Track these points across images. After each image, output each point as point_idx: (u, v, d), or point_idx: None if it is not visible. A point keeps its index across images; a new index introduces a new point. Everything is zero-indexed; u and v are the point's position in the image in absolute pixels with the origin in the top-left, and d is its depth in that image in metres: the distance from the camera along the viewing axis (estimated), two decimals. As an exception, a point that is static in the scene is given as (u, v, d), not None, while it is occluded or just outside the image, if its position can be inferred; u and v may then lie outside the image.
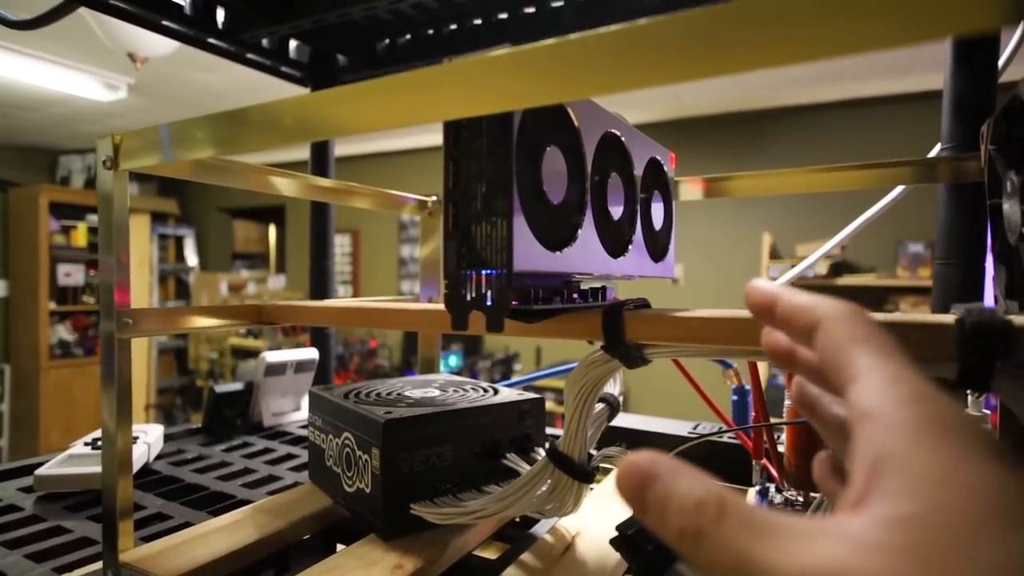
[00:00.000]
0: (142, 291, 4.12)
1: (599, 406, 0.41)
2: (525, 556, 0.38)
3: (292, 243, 4.50)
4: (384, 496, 0.39)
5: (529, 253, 0.27)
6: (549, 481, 0.37)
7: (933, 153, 0.52)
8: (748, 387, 0.57)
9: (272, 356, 0.72)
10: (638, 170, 0.40)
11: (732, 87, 2.70)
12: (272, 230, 5.13)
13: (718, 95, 2.82)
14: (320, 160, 0.85)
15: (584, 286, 0.37)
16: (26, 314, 3.70)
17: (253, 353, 3.79)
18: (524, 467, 0.43)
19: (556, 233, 0.30)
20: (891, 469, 0.14)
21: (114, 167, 0.35)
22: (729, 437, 0.56)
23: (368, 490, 0.41)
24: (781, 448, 0.43)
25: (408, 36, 0.78)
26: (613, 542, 0.31)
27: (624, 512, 0.33)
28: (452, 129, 0.27)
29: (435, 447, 0.41)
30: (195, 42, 0.72)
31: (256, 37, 0.73)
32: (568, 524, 0.43)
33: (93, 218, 3.94)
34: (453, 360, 3.18)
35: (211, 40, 0.73)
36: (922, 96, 2.55)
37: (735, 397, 0.56)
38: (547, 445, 0.39)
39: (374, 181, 0.58)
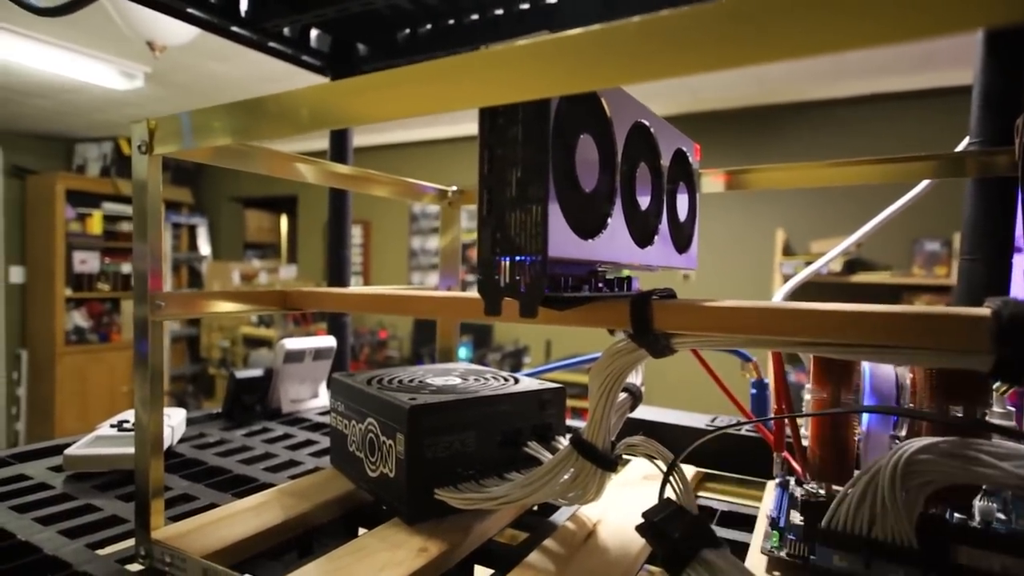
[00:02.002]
0: (156, 279, 4.16)
1: (622, 395, 0.41)
2: (548, 542, 0.39)
3: (304, 233, 4.53)
4: (408, 481, 0.40)
5: (562, 240, 0.27)
6: (572, 469, 0.37)
7: (961, 147, 0.51)
8: (767, 380, 0.57)
9: (291, 343, 0.73)
10: (665, 160, 0.40)
11: (748, 81, 2.68)
12: (284, 220, 5.15)
13: (734, 89, 2.80)
14: (339, 148, 0.85)
15: (610, 275, 0.37)
16: (42, 300, 3.75)
17: (265, 342, 3.83)
18: (546, 455, 0.44)
19: (587, 221, 0.30)
20: None
21: (149, 151, 0.36)
22: (747, 430, 0.56)
23: (392, 475, 0.41)
24: (804, 442, 0.43)
25: (429, 26, 0.78)
26: (639, 528, 0.32)
27: (647, 501, 0.34)
28: (488, 116, 0.27)
29: (458, 434, 0.42)
30: (218, 30, 0.73)
31: (279, 25, 0.74)
32: (589, 512, 0.44)
33: (108, 206, 3.98)
34: (463, 352, 3.19)
35: (234, 28, 0.73)
36: (941, 92, 2.51)
37: (754, 391, 0.56)
38: (570, 433, 0.39)
39: (392, 171, 0.59)
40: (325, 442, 0.62)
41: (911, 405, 0.36)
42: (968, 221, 0.51)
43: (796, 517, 0.36)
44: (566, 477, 0.38)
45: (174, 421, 0.60)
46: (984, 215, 0.50)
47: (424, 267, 3.97)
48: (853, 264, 2.61)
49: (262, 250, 5.00)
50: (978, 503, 0.34)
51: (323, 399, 0.78)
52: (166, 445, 0.57)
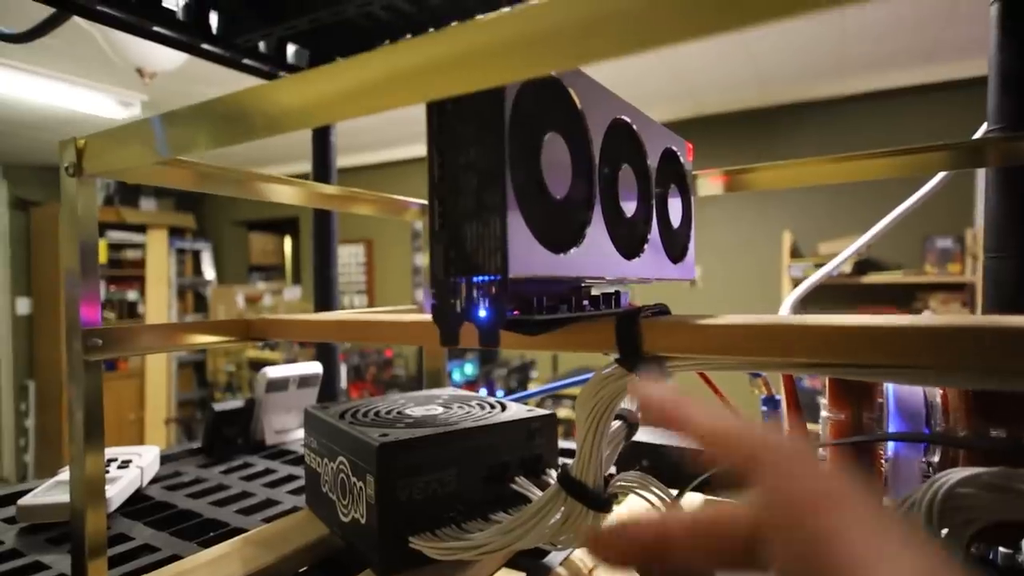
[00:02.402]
0: (161, 306, 4.15)
1: (615, 424, 0.37)
2: (537, 594, 0.34)
3: (307, 254, 4.52)
4: (380, 527, 0.35)
5: (528, 256, 0.23)
6: (562, 510, 0.33)
7: (979, 134, 0.47)
8: (779, 397, 0.52)
9: (273, 371, 0.69)
10: (652, 161, 0.36)
11: (748, 83, 2.64)
12: (288, 241, 5.16)
13: (734, 92, 2.76)
14: (322, 169, 0.82)
15: (596, 291, 0.33)
16: (49, 331, 3.75)
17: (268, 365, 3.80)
18: (535, 492, 0.39)
19: (560, 232, 0.26)
20: None
21: (78, 174, 0.32)
22: (760, 452, 0.51)
23: (363, 520, 0.37)
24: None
25: (408, 36, 0.74)
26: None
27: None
28: (435, 112, 0.23)
29: (436, 472, 0.38)
30: (189, 48, 0.70)
31: (251, 40, 0.71)
32: (585, 555, 0.39)
33: (113, 234, 3.99)
34: (469, 368, 3.13)
35: (205, 46, 0.70)
36: (946, 86, 2.47)
37: (764, 408, 0.51)
38: (559, 469, 0.35)
39: (383, 191, 0.56)
40: (307, 478, 0.58)
41: (941, 427, 0.31)
42: (991, 215, 0.47)
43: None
44: (556, 519, 0.33)
45: (144, 461, 0.56)
46: (1009, 207, 0.46)
47: (428, 283, 3.93)
48: (863, 265, 2.55)
49: (267, 272, 4.99)
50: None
51: (310, 429, 0.74)
52: (134, 488, 0.53)
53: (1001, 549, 0.32)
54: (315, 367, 0.73)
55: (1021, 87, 0.44)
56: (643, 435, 0.58)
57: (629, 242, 0.33)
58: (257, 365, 3.88)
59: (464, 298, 0.23)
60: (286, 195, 0.46)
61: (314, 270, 0.83)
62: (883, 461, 0.32)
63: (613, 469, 0.36)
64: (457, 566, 0.37)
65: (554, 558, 0.41)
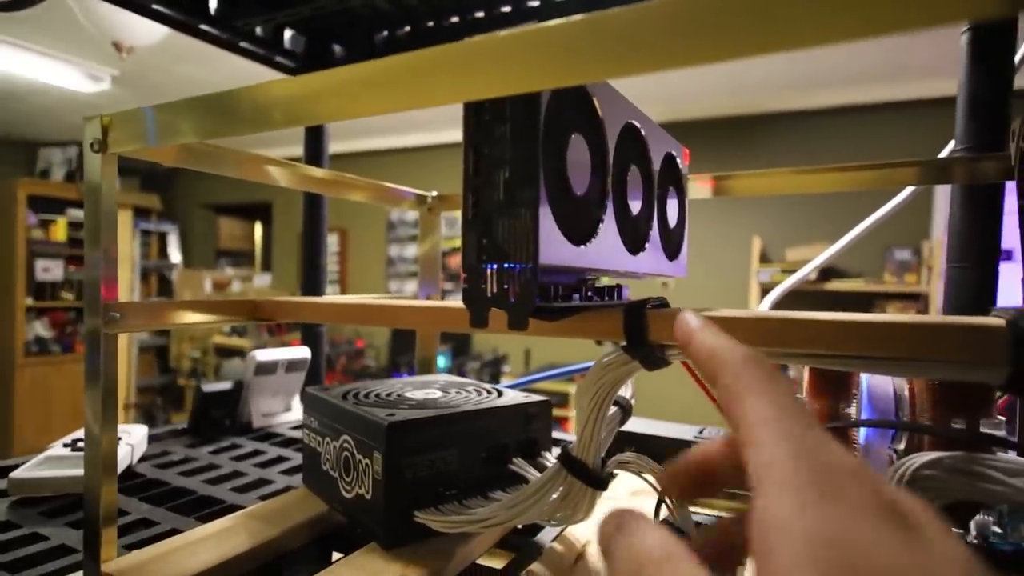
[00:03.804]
0: (123, 287, 4.03)
1: (612, 409, 0.39)
2: (535, 567, 0.37)
3: (279, 241, 4.44)
4: (386, 502, 0.37)
5: (554, 246, 0.26)
6: (561, 488, 0.35)
7: (945, 153, 0.51)
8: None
9: (263, 355, 0.69)
10: (655, 164, 0.38)
11: (725, 91, 2.71)
12: (258, 227, 5.06)
13: (711, 99, 2.83)
14: (314, 152, 0.83)
15: (599, 284, 0.36)
16: (1, 310, 3.60)
17: (238, 352, 3.73)
18: (532, 472, 0.42)
19: (578, 226, 0.29)
20: (781, 540, 0.14)
21: (103, 150, 0.33)
22: (736, 442, 0.54)
23: (369, 496, 0.39)
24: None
25: (408, 28, 0.76)
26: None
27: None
28: (473, 112, 0.25)
29: (440, 451, 0.39)
30: (186, 28, 0.70)
31: (250, 25, 0.71)
32: (577, 532, 0.42)
33: (73, 212, 3.85)
34: (441, 361, 3.14)
35: (203, 27, 0.70)
36: (913, 104, 2.58)
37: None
38: (559, 450, 0.37)
39: (370, 178, 0.57)
40: (298, 459, 0.59)
41: (908, 418, 0.35)
42: (955, 228, 0.51)
43: (794, 536, 0.34)
44: (555, 496, 0.36)
45: (134, 439, 0.56)
46: (971, 222, 0.50)
47: (402, 275, 3.92)
48: (828, 272, 2.65)
49: (235, 258, 4.89)
50: (975, 518, 0.33)
51: (296, 413, 0.75)
52: (125, 465, 0.54)
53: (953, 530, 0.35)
54: (303, 351, 0.74)
55: (986, 112, 0.48)
56: (632, 426, 0.61)
57: (634, 238, 0.35)
58: (224, 351, 3.81)
59: (495, 284, 0.25)
60: (279, 177, 0.47)
61: (302, 256, 0.84)
62: (856, 447, 0.36)
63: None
64: (456, 541, 0.39)
65: (546, 536, 0.43)
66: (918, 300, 2.52)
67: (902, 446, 0.35)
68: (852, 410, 0.36)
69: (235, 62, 0.79)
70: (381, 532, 0.38)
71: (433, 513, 0.38)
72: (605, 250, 0.31)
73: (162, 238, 4.40)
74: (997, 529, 0.34)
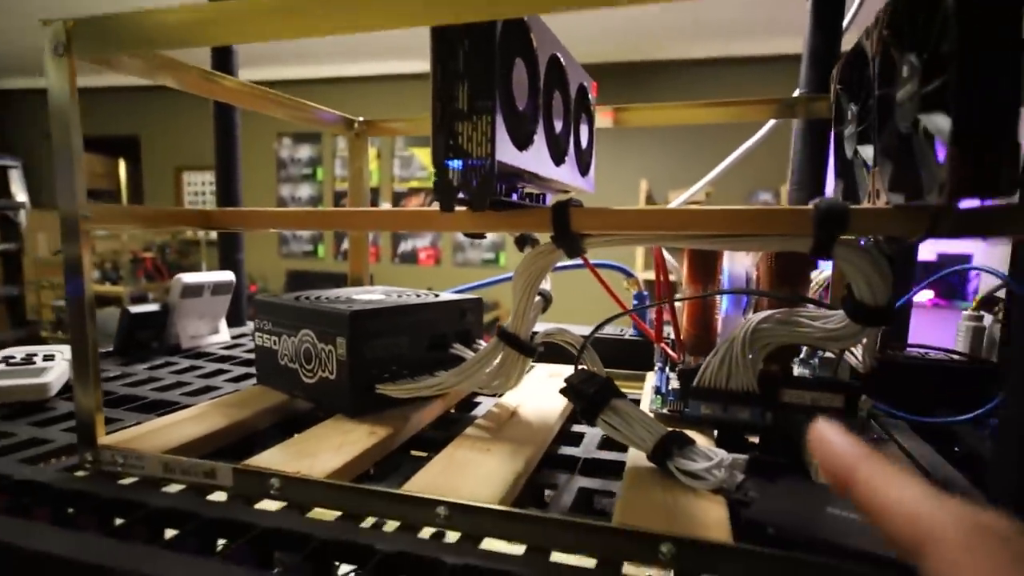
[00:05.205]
0: (-42, 232, 3.51)
1: (537, 297, 0.48)
2: (479, 420, 0.45)
3: (150, 179, 4.05)
4: (351, 378, 0.44)
5: (505, 147, 0.32)
6: (500, 357, 0.44)
7: (794, 95, 0.63)
8: (646, 293, 0.67)
9: (188, 277, 0.70)
10: (571, 92, 0.46)
11: (611, 37, 2.82)
12: (123, 164, 4.56)
13: (598, 44, 2.94)
14: (222, 61, 0.81)
15: (527, 191, 0.43)
16: None
17: (113, 300, 3.44)
18: (468, 354, 0.50)
19: (520, 136, 0.36)
20: None
21: (67, 54, 0.34)
22: (631, 335, 0.66)
23: (333, 376, 0.45)
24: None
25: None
26: (563, 390, 0.39)
27: (554, 392, 0.41)
28: (439, 34, 0.31)
29: (392, 337, 0.46)
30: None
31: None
32: (508, 401, 0.51)
33: None
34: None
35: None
36: (782, 59, 2.85)
37: (636, 301, 0.66)
38: (496, 328, 0.45)
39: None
40: (239, 371, 0.63)
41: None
42: (797, 158, 0.64)
43: (674, 383, 0.45)
44: (495, 363, 0.44)
45: (68, 356, 0.57)
46: (808, 155, 0.63)
47: (295, 217, 3.76)
48: (703, 212, 2.93)
49: (98, 198, 4.39)
50: (796, 369, 0.46)
51: (224, 335, 0.77)
52: (63, 381, 0.55)
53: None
54: (228, 275, 0.75)
55: (823, 62, 0.60)
56: (536, 327, 0.70)
57: (556, 152, 0.43)
58: (97, 299, 3.49)
59: (458, 177, 0.32)
60: (193, 86, 0.45)
61: (217, 175, 0.83)
62: (718, 317, 0.47)
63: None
64: (409, 409, 0.46)
65: (482, 411, 0.51)
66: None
67: (752, 313, 0.47)
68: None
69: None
70: (348, 403, 0.44)
71: (391, 385, 0.45)
72: (538, 158, 0.38)
73: (3, 174, 3.83)
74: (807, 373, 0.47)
